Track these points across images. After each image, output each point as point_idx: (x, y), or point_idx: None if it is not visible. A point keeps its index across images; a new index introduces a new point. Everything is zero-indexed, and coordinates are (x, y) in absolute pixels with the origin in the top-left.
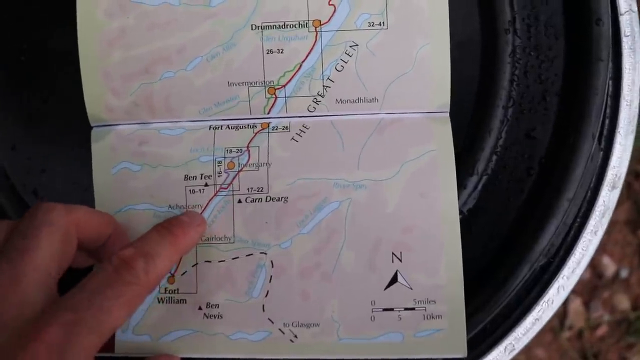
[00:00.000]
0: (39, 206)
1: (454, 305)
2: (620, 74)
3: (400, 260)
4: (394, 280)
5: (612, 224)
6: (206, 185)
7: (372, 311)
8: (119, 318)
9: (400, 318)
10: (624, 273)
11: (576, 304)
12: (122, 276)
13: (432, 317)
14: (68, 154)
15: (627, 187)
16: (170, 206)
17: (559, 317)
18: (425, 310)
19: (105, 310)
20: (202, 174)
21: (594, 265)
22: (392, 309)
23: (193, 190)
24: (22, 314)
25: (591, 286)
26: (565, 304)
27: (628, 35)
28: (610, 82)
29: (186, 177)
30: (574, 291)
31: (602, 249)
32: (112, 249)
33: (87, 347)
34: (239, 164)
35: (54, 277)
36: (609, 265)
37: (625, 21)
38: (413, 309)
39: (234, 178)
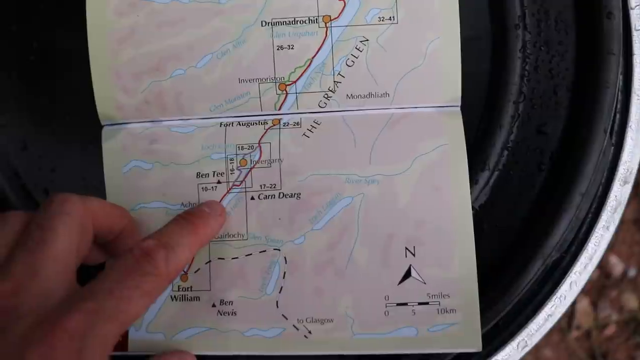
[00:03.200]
0: (54, 197)
1: (468, 299)
2: (631, 68)
3: (414, 255)
4: (407, 274)
5: (620, 223)
6: (219, 182)
7: (386, 306)
8: (139, 308)
9: (414, 312)
10: (632, 272)
11: (584, 304)
12: (142, 266)
13: (446, 312)
14: (79, 152)
15: (635, 186)
16: (182, 204)
17: (566, 317)
18: (439, 304)
19: (126, 300)
20: (214, 172)
21: (602, 264)
22: (405, 304)
23: (205, 187)
24: (42, 303)
25: (599, 286)
26: (573, 303)
27: (639, 30)
28: (621, 76)
29: (198, 175)
30: (581, 291)
31: (610, 248)
32: (125, 241)
33: (107, 336)
34: (251, 160)
35: (72, 267)
36: (616, 265)
37: (635, 15)
38: (427, 303)
39: (246, 175)
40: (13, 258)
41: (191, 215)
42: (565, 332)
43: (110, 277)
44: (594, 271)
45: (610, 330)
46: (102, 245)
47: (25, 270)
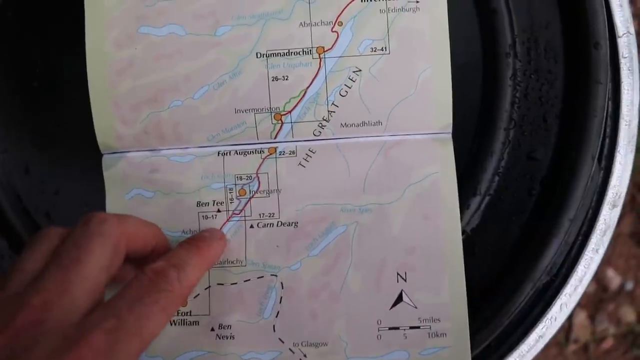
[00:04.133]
0: (92, 216)
1: (458, 323)
2: (619, 94)
3: (405, 280)
4: (399, 299)
5: (617, 236)
6: (218, 211)
7: (379, 330)
8: (158, 324)
9: (406, 336)
10: (629, 285)
11: (581, 317)
12: (157, 284)
13: (437, 335)
14: (80, 177)
15: (631, 199)
16: (183, 231)
17: (564, 331)
18: (430, 328)
19: (145, 317)
20: (214, 201)
21: (599, 278)
22: (397, 328)
23: (206, 216)
24: (69, 319)
25: (596, 299)
26: (570, 317)
27: (626, 57)
28: (610, 102)
29: (199, 204)
30: (579, 304)
31: (606, 261)
32: (157, 259)
33: (131, 352)
34: (249, 190)
35: (101, 286)
36: (613, 278)
37: (623, 43)
38: (418, 327)
39: (245, 204)
40: (46, 273)
41: (194, 240)
42: (563, 346)
43: (128, 295)
44: (591, 285)
45: (608, 343)
46: (134, 261)
47: (56, 286)
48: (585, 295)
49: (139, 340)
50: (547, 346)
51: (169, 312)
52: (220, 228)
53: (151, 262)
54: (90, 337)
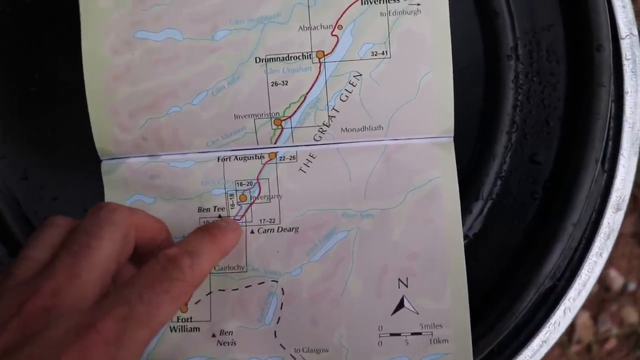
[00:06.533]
0: (103, 205)
1: (460, 329)
2: (622, 97)
3: (407, 286)
4: (400, 305)
5: (619, 237)
6: (220, 216)
7: (380, 336)
8: (168, 313)
9: (408, 343)
10: (632, 286)
11: (584, 318)
12: (169, 273)
13: (439, 341)
14: (79, 182)
15: (633, 200)
16: (184, 236)
17: (567, 332)
18: (431, 334)
19: (155, 305)
20: (215, 206)
21: (602, 279)
22: (399, 334)
23: (207, 221)
24: (78, 306)
25: (599, 300)
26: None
27: (629, 59)
28: (613, 104)
29: (200, 209)
30: (578, 311)
31: (609, 262)
32: None
33: (140, 340)
34: (250, 196)
35: (111, 273)
36: (616, 279)
37: (625, 45)
38: (420, 333)
39: (246, 210)
40: (57, 259)
41: (210, 228)
42: (566, 347)
43: (140, 282)
44: (593, 285)
45: (611, 344)
46: (140, 254)
47: (66, 272)
48: (587, 296)
49: (148, 329)
50: (546, 353)
51: (180, 301)
52: None
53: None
54: (100, 323)
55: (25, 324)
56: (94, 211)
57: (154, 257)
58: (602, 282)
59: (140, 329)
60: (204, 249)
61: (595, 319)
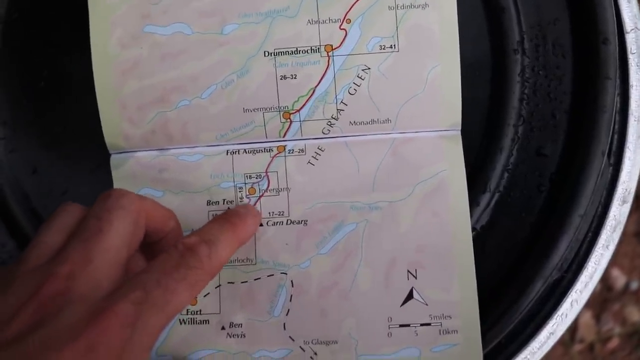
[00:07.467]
0: (112, 191)
1: (468, 319)
2: (628, 90)
3: (415, 278)
4: (409, 296)
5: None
6: (229, 210)
7: (389, 327)
8: (183, 300)
9: (417, 334)
10: (634, 285)
11: (587, 317)
12: (186, 260)
13: (448, 332)
14: (88, 176)
15: (635, 199)
16: (193, 229)
17: (569, 331)
18: (441, 325)
19: (171, 291)
20: (224, 200)
21: (604, 277)
22: (408, 325)
23: (216, 214)
24: (93, 290)
25: (601, 299)
26: (575, 317)
27: (634, 53)
28: (618, 98)
29: (209, 202)
30: (584, 304)
31: (611, 261)
32: (170, 243)
33: (155, 326)
34: (259, 189)
35: (122, 260)
36: (618, 278)
37: (631, 39)
38: (429, 324)
39: (255, 203)
40: (70, 245)
41: (229, 215)
42: (569, 345)
43: (157, 269)
44: (599, 279)
45: (613, 343)
46: (145, 251)
47: (80, 257)
48: (590, 295)
49: (164, 314)
50: (553, 345)
51: (197, 289)
52: None
53: (164, 251)
54: (116, 307)
55: (40, 308)
56: (103, 197)
57: (172, 246)
58: (605, 281)
59: (156, 314)
60: (222, 238)
61: (597, 318)
